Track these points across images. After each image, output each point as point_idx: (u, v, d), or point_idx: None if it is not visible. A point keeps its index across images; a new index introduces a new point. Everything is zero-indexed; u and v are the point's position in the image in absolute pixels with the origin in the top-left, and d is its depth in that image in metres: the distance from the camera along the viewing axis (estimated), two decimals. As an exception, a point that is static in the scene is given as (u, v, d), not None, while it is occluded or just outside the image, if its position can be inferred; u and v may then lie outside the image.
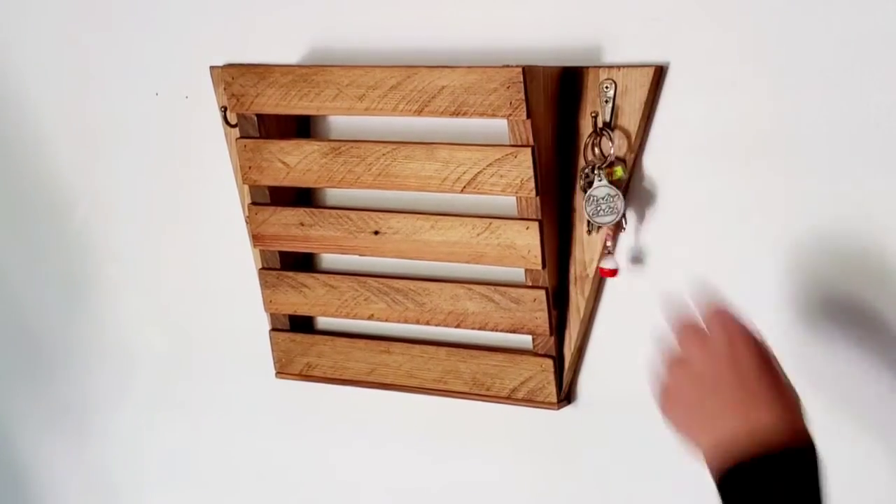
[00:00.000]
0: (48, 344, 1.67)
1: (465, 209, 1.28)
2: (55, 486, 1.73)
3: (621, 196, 1.18)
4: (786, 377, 0.95)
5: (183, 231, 1.51)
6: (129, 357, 1.61)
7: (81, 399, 1.66)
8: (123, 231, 1.55)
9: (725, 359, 0.95)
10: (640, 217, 1.22)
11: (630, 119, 1.19)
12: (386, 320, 1.34)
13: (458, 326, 1.30)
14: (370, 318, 1.34)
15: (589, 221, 1.21)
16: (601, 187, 1.19)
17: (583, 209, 1.21)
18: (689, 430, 0.96)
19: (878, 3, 1.09)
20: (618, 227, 1.21)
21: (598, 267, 1.23)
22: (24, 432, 1.73)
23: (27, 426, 1.73)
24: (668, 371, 0.99)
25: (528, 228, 1.22)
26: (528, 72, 1.16)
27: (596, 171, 1.19)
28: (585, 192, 1.20)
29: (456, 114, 1.21)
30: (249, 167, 1.34)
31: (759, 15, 1.14)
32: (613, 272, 1.22)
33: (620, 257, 1.23)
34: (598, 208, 1.19)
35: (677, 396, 0.98)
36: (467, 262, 1.26)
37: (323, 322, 1.43)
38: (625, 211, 1.19)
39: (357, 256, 1.34)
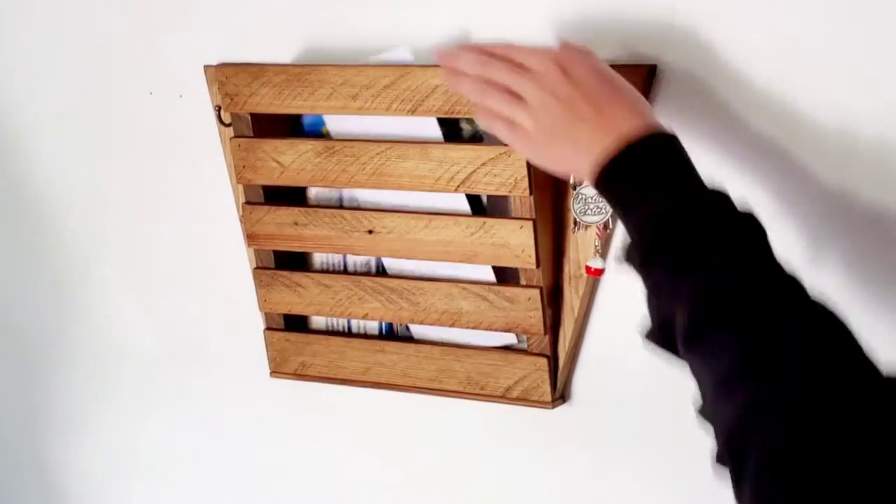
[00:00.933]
0: (40, 343, 1.67)
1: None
2: (46, 484, 1.73)
3: (610, 196, 1.18)
4: (622, 80, 1.00)
5: (177, 230, 1.51)
6: (122, 357, 1.61)
7: (73, 398, 1.67)
8: (117, 230, 1.55)
9: (563, 84, 0.98)
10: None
11: (623, 118, 1.19)
12: (380, 319, 1.34)
13: (452, 325, 1.30)
14: (365, 317, 1.34)
15: (575, 220, 1.21)
16: (590, 186, 1.18)
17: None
18: (561, 163, 1.00)
19: (875, 2, 1.09)
20: (605, 228, 1.21)
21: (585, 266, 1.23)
22: (15, 431, 1.73)
23: (18, 425, 1.73)
24: (513, 111, 1.01)
25: (521, 227, 1.22)
26: (521, 71, 1.16)
27: (587, 171, 1.19)
28: (575, 190, 1.20)
29: (449, 113, 1.21)
30: (243, 166, 1.34)
31: (753, 14, 1.14)
32: (599, 272, 1.22)
33: (612, 257, 1.23)
34: (587, 207, 1.19)
35: (535, 135, 1.00)
36: (461, 261, 1.26)
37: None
38: (612, 212, 1.19)
39: (351, 256, 1.34)
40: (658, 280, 0.91)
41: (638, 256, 0.93)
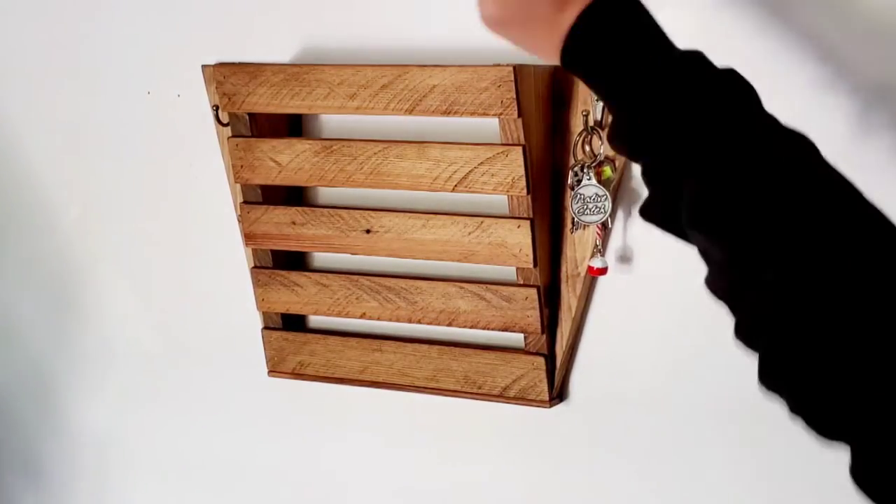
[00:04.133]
0: (38, 344, 1.67)
1: (457, 208, 1.28)
2: (44, 482, 1.73)
3: (609, 196, 1.18)
4: None
5: (175, 230, 1.51)
6: (120, 356, 1.61)
7: (71, 398, 1.66)
8: (115, 230, 1.55)
9: None
10: (632, 216, 1.23)
11: (621, 117, 1.19)
12: (378, 319, 1.34)
13: (449, 325, 1.30)
14: (362, 316, 1.34)
15: (573, 219, 1.21)
16: (589, 186, 1.19)
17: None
18: (533, 46, 0.91)
19: (871, 4, 1.09)
20: (604, 227, 1.21)
21: (587, 266, 1.23)
22: (14, 430, 1.73)
23: (18, 424, 1.73)
24: None
25: (519, 227, 1.22)
26: (519, 70, 1.16)
27: (585, 170, 1.19)
28: (573, 189, 1.20)
29: (447, 113, 1.21)
30: (241, 166, 1.34)
31: (752, 15, 1.14)
32: (602, 271, 1.22)
33: (610, 256, 1.23)
34: (585, 207, 1.19)
35: (499, 15, 0.91)
36: (459, 260, 1.26)
37: (315, 320, 1.43)
38: (611, 211, 1.19)
39: (349, 255, 1.34)
40: (653, 161, 0.85)
41: (628, 139, 0.86)
